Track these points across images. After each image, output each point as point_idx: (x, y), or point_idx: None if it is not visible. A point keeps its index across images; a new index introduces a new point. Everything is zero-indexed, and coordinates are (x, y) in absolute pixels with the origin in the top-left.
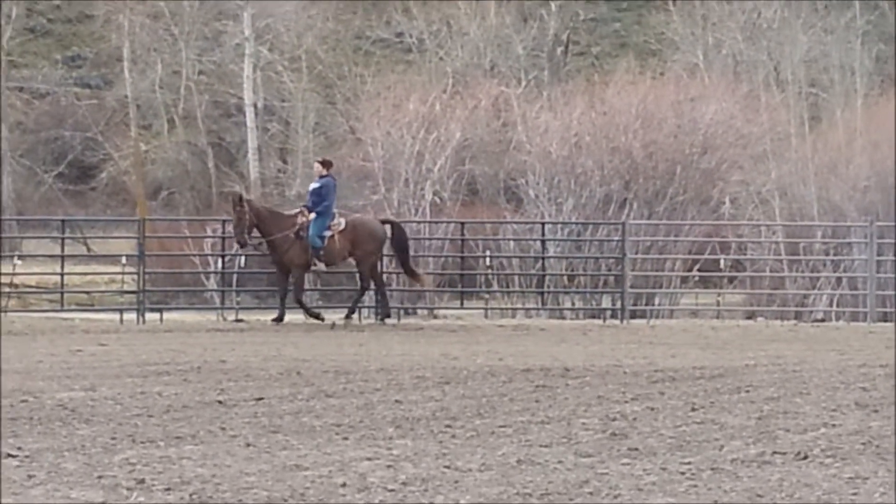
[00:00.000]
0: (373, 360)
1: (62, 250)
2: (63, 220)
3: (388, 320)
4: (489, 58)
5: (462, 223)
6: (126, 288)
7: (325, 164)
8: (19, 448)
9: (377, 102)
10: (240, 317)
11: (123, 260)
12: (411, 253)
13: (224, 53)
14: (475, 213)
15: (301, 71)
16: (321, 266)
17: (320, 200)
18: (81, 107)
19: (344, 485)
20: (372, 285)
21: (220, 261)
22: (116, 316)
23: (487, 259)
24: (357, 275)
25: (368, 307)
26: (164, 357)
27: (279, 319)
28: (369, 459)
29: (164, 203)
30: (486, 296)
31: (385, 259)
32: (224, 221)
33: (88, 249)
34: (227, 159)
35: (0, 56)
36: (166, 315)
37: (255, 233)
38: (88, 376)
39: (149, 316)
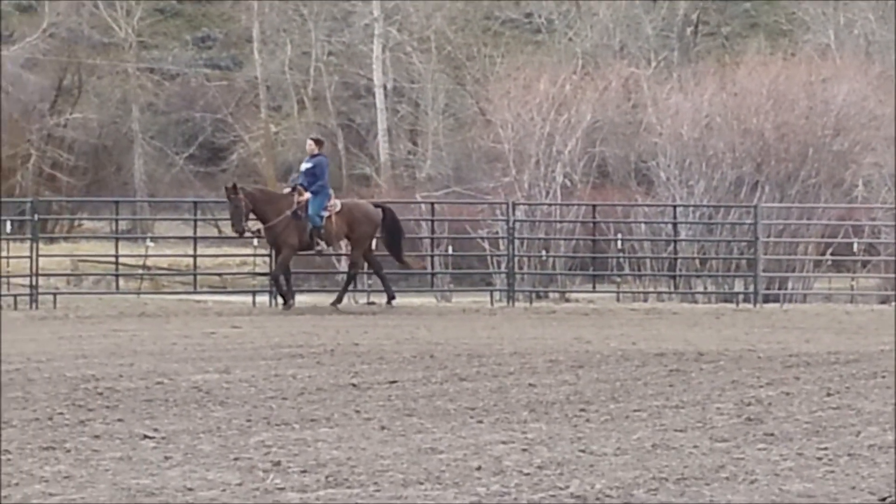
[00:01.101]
0: (506, 343)
1: (194, 232)
2: (195, 202)
3: (394, 302)
4: (619, 38)
5: (593, 206)
6: (258, 270)
7: (318, 142)
8: (155, 430)
9: (507, 83)
10: (371, 299)
11: (255, 242)
12: (405, 236)
13: (353, 34)
14: (606, 195)
15: (430, 52)
16: (323, 245)
17: (315, 179)
18: (211, 88)
19: (479, 468)
20: (361, 269)
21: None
22: (249, 298)
23: (619, 242)
24: (348, 258)
25: (500, 290)
26: (297, 339)
27: (287, 305)
28: (504, 443)
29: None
30: (618, 279)
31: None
32: None
33: (220, 231)
34: (356, 141)
35: None
36: (298, 297)
37: (253, 217)
38: (222, 358)
39: (281, 299)
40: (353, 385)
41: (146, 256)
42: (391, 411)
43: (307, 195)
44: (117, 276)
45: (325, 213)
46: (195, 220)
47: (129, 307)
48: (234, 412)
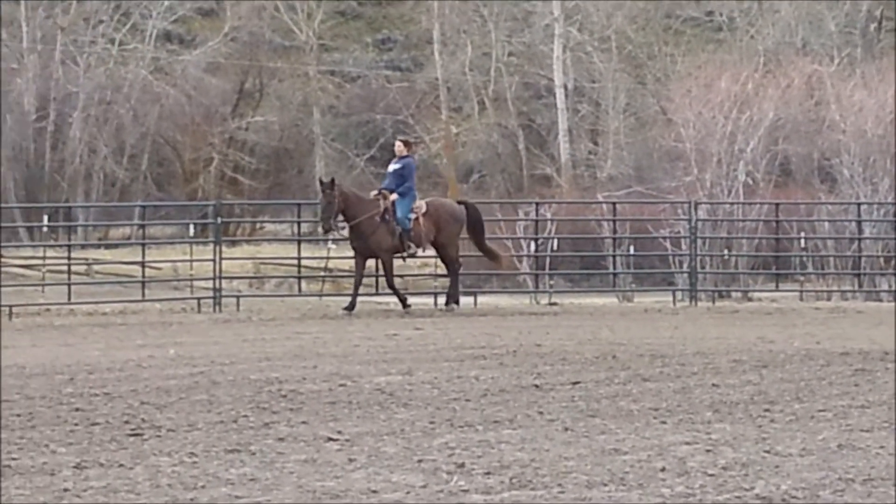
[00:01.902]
0: (688, 343)
1: None
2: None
3: (455, 306)
4: (801, 35)
5: (776, 204)
6: (440, 272)
7: (407, 144)
8: (339, 432)
9: (688, 82)
10: (553, 300)
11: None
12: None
13: (533, 34)
14: (789, 193)
15: (611, 51)
16: (413, 248)
17: (402, 181)
18: (392, 90)
19: (663, 469)
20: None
21: (532, 244)
22: (430, 300)
23: (802, 240)
24: (443, 260)
25: (682, 289)
26: (479, 341)
27: (351, 308)
28: (688, 444)
29: (475, 186)
30: (801, 278)
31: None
32: (537, 204)
33: None
34: (537, 141)
35: None
36: (480, 298)
37: (340, 218)
38: (405, 360)
39: (462, 300)
40: (536, 386)
41: (328, 259)
42: (574, 412)
43: (393, 197)
44: (299, 278)
45: (413, 216)
46: None
47: (312, 309)
48: (417, 414)
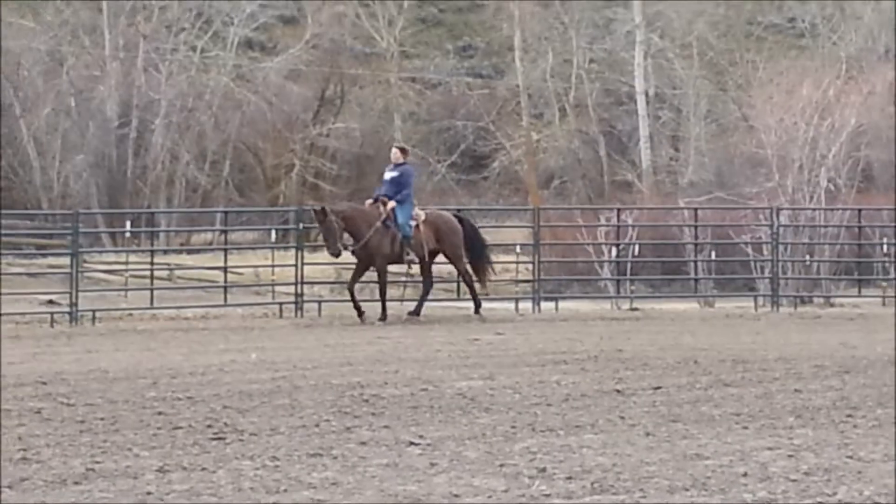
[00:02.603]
0: (770, 349)
1: None
2: (459, 210)
3: (420, 317)
4: (883, 41)
5: (858, 210)
6: (520, 277)
7: (403, 151)
8: (421, 436)
9: (769, 88)
10: (634, 305)
11: (518, 249)
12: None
13: (614, 41)
14: (871, 199)
15: (692, 58)
16: (413, 256)
17: (400, 188)
18: (473, 96)
19: (745, 474)
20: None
21: (613, 249)
22: (511, 305)
23: (884, 246)
24: (457, 273)
25: (764, 295)
26: (560, 346)
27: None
28: (770, 449)
29: (555, 192)
30: (884, 283)
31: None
32: (618, 210)
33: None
34: (618, 147)
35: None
36: (561, 304)
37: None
38: (486, 365)
39: (544, 305)
40: (618, 391)
41: (408, 263)
42: (656, 417)
43: (392, 203)
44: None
45: (413, 223)
46: None
47: (393, 314)
48: (498, 419)
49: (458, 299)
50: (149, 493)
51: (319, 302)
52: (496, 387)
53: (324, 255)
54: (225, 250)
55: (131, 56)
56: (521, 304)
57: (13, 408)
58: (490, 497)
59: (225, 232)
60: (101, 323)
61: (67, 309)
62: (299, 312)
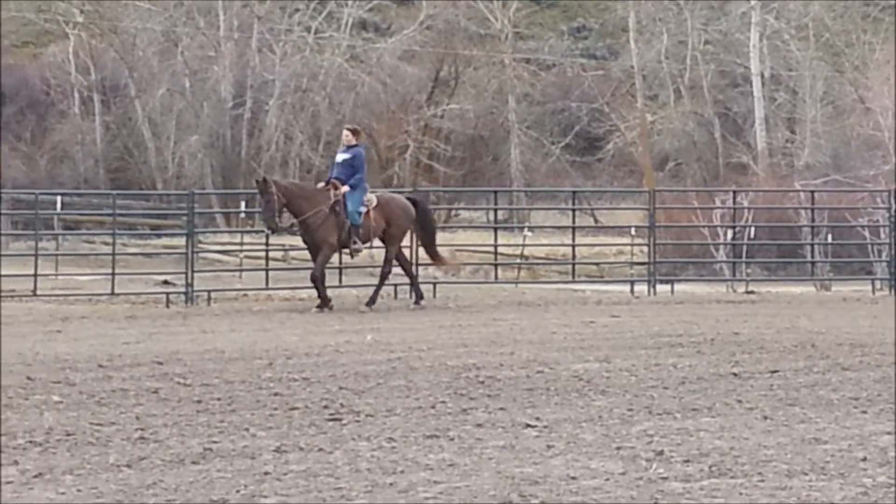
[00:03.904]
0: (888, 332)
1: (573, 222)
2: (573, 192)
3: (422, 302)
4: None
5: None
6: (635, 259)
7: (355, 132)
8: (537, 418)
9: (887, 70)
10: (750, 288)
11: (633, 231)
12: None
13: (730, 22)
14: None
15: (808, 39)
16: (359, 244)
17: (353, 172)
18: (587, 78)
19: (864, 459)
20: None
21: (729, 232)
22: (627, 287)
23: None
24: (385, 256)
25: (881, 279)
26: (676, 329)
27: (323, 304)
28: (889, 434)
29: (670, 174)
30: None
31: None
32: (734, 192)
33: (596, 221)
34: (733, 129)
35: None
36: (676, 286)
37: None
38: (602, 347)
39: (659, 287)
40: (734, 374)
41: (524, 246)
42: (773, 401)
43: (344, 188)
44: (496, 265)
45: (363, 209)
46: (573, 210)
47: (508, 296)
48: (615, 401)
49: (573, 281)
50: (266, 474)
51: (434, 283)
52: (612, 369)
53: (439, 236)
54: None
55: (246, 37)
56: (637, 287)
57: (130, 388)
58: (607, 479)
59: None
60: (216, 303)
61: (183, 289)
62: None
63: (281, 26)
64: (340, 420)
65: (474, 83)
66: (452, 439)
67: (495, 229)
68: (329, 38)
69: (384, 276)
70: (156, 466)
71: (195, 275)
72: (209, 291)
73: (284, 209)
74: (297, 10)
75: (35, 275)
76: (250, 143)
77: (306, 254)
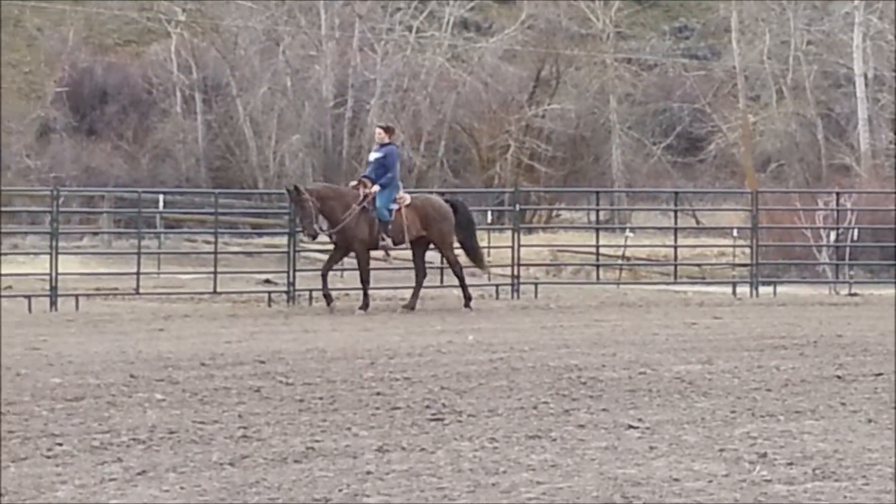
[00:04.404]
0: None
1: (674, 223)
2: (675, 193)
3: (469, 309)
4: None
5: None
6: (737, 261)
7: (388, 130)
8: (640, 420)
9: None
10: (853, 290)
11: (734, 233)
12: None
13: (833, 22)
14: None
15: None
16: (388, 242)
17: (384, 171)
18: (689, 78)
19: None
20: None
21: (832, 233)
22: (729, 289)
23: None
24: (448, 261)
25: None
26: (779, 331)
27: (364, 306)
28: None
29: (772, 175)
30: None
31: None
32: (837, 194)
33: (697, 222)
34: (836, 131)
35: None
36: (779, 288)
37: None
38: (704, 349)
39: (761, 289)
40: (838, 377)
41: (625, 247)
42: (878, 404)
43: (375, 188)
44: (597, 266)
45: (395, 206)
46: (675, 211)
47: (609, 297)
48: (717, 403)
49: (675, 282)
50: (368, 473)
51: (536, 284)
52: (714, 371)
53: (539, 237)
54: None
55: (347, 36)
56: (739, 289)
57: (233, 386)
58: (710, 481)
59: None
60: (317, 303)
61: (284, 288)
62: (515, 294)
63: (382, 25)
64: (442, 420)
65: (576, 83)
66: (555, 440)
67: (597, 230)
68: (430, 38)
69: (459, 277)
70: (258, 465)
71: (297, 274)
72: (311, 291)
73: (320, 214)
74: (399, 9)
75: (138, 273)
76: (351, 142)
77: (408, 254)
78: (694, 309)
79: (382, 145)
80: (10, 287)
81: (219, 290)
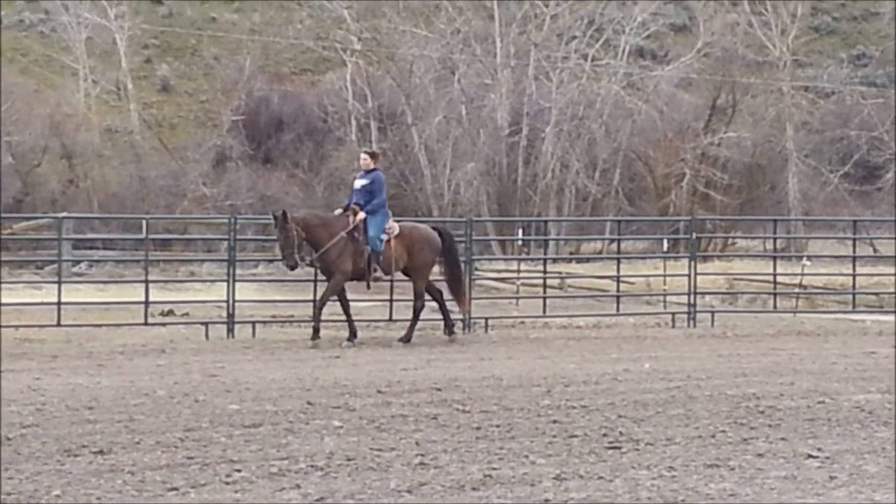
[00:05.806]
0: None
1: (853, 251)
2: (854, 221)
3: (455, 332)
4: None
5: None
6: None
7: (373, 155)
8: (819, 449)
9: None
10: None
11: None
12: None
13: None
14: None
15: None
16: (380, 273)
17: (371, 197)
18: (867, 106)
19: None
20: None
21: None
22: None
23: None
24: (413, 290)
25: None
26: None
27: (352, 336)
28: None
29: None
30: None
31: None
32: None
33: (875, 250)
34: None
35: None
36: None
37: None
38: (884, 378)
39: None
40: None
41: (802, 275)
42: None
43: (362, 214)
44: (774, 294)
45: (385, 237)
46: (853, 240)
47: (787, 326)
48: None
49: (853, 311)
50: (546, 501)
51: (712, 312)
52: (894, 401)
53: (714, 266)
54: (617, 259)
55: (522, 64)
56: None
57: (410, 413)
58: None
59: (616, 241)
60: (493, 330)
61: (460, 316)
62: (692, 322)
63: (558, 54)
64: (620, 448)
65: (752, 111)
66: (733, 469)
67: (774, 258)
68: (606, 66)
69: (416, 312)
70: (436, 492)
71: (472, 301)
72: (486, 318)
73: (304, 243)
74: (574, 37)
75: (314, 301)
76: (526, 170)
77: (583, 282)
78: (872, 338)
79: (367, 171)
80: (187, 314)
81: (395, 317)
